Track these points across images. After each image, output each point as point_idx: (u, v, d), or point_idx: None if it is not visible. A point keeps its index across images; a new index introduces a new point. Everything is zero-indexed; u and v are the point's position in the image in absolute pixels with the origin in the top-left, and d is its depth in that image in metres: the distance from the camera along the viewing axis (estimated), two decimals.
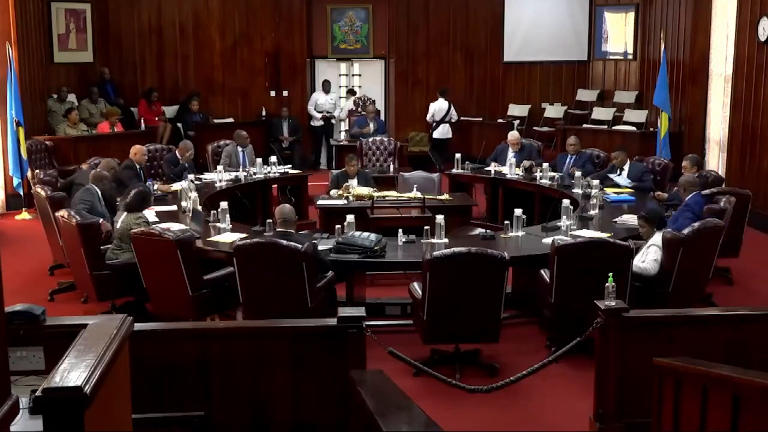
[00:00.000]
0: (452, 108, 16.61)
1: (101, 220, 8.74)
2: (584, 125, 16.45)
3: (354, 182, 11.19)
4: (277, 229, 7.79)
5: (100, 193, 9.44)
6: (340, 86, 18.18)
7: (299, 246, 7.22)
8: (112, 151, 12.56)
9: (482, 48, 18.14)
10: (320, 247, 7.80)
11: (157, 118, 16.11)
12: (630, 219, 9.01)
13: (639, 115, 16.12)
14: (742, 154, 12.80)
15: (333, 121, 17.54)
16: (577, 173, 11.20)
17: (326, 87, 17.50)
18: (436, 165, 15.90)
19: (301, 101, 17.60)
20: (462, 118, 17.43)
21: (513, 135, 12.93)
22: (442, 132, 16.60)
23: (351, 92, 18.12)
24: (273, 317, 6.64)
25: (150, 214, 8.99)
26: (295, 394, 5.37)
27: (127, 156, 11.33)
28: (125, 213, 8.38)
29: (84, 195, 9.28)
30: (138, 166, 11.17)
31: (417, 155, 17.19)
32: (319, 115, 17.24)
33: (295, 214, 7.94)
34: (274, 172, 12.30)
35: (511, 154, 12.53)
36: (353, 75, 18.23)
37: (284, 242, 7.30)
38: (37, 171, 11.62)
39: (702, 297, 8.36)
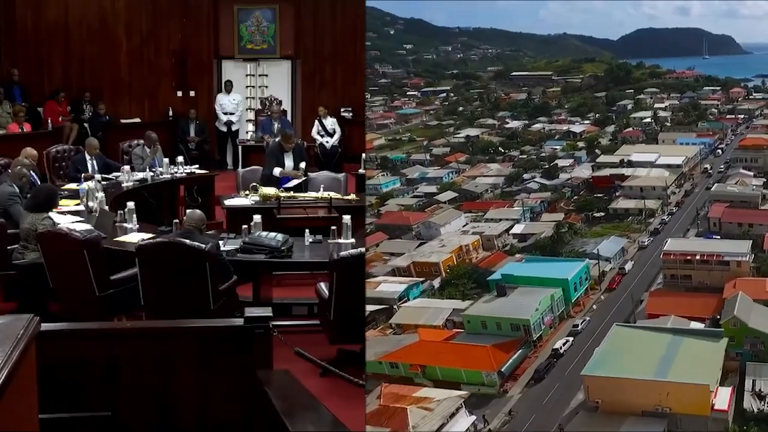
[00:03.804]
0: None
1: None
2: None
3: (290, 156, 11.33)
4: (183, 228, 7.80)
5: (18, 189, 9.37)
6: (246, 87, 18.12)
7: (203, 246, 7.24)
8: (19, 152, 12.34)
9: None
10: (227, 248, 7.84)
11: (61, 119, 15.86)
12: None
13: None
14: None
15: (233, 127, 17.51)
16: None
17: (228, 87, 17.47)
18: None
19: (208, 102, 17.53)
20: None
21: None
22: None
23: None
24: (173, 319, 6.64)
25: (55, 214, 8.89)
26: (202, 394, 5.39)
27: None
28: (30, 213, 8.29)
29: (9, 195, 9.17)
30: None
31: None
32: (225, 119, 17.20)
33: (204, 220, 7.96)
34: (181, 173, 12.24)
35: None
36: (260, 75, 18.17)
37: (188, 242, 7.30)
38: None
39: None
